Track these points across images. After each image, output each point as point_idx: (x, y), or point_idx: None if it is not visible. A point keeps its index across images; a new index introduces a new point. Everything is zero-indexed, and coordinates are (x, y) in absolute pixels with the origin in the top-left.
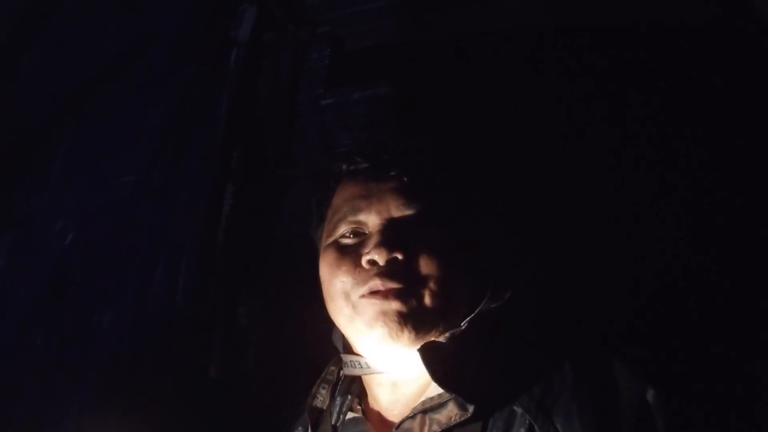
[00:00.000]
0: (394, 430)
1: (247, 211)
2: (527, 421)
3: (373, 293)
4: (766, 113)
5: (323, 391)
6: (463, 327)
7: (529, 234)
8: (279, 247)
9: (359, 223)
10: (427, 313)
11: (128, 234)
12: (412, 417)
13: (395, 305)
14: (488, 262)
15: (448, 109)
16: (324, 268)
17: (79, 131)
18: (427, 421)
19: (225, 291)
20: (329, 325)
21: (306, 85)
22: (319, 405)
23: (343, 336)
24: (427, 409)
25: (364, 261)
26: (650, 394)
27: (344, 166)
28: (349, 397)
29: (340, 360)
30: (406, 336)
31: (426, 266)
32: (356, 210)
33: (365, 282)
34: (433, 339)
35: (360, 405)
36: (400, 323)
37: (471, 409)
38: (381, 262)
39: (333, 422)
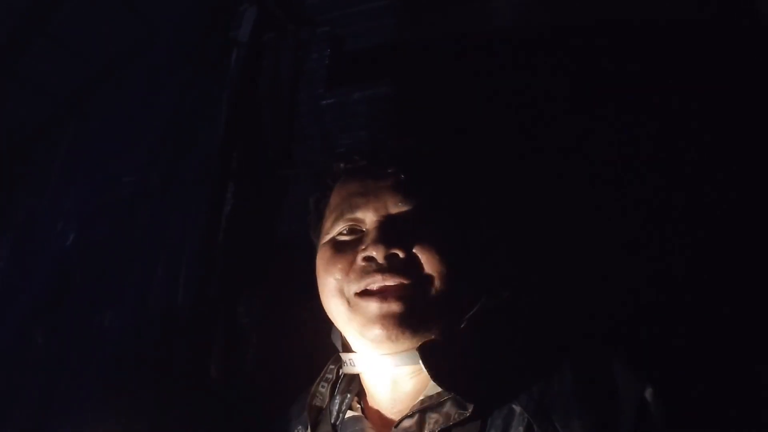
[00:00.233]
0: (393, 428)
1: (247, 211)
2: (526, 420)
3: (371, 292)
4: (767, 112)
5: (323, 390)
6: (462, 325)
7: (527, 232)
8: (279, 247)
9: (356, 220)
10: (426, 313)
11: (129, 234)
12: (411, 415)
13: (395, 307)
14: (486, 261)
15: (448, 109)
16: (320, 265)
17: (79, 131)
18: (426, 420)
19: (225, 291)
20: (329, 325)
21: (306, 85)
22: (318, 404)
23: (341, 335)
24: (426, 408)
25: (360, 257)
26: (649, 393)
27: (342, 165)
28: (349, 395)
29: (340, 359)
30: (405, 337)
31: (424, 263)
32: (353, 207)
33: (362, 278)
34: (432, 337)
35: (359, 403)
36: (399, 326)
37: (470, 408)
38: (379, 258)
39: (333, 421)
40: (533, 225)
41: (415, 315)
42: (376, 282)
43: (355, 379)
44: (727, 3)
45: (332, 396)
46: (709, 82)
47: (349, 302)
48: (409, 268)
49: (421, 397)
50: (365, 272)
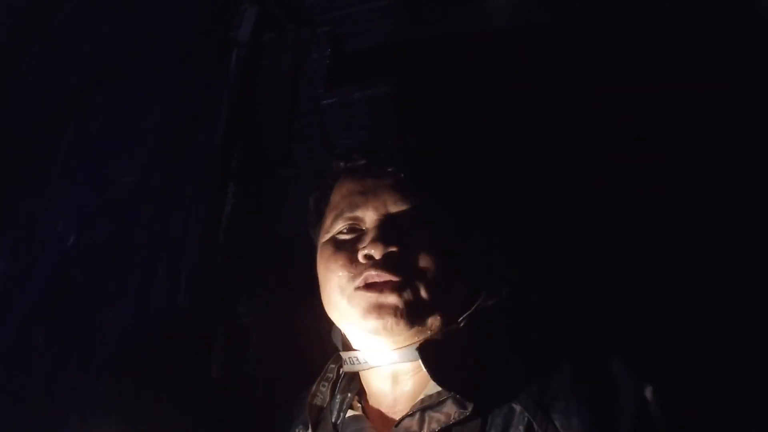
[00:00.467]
0: (393, 428)
1: (247, 211)
2: (526, 419)
3: (369, 286)
4: (766, 111)
5: (323, 389)
6: (461, 324)
7: (526, 231)
8: (279, 247)
9: (356, 219)
10: (423, 307)
11: (129, 234)
12: (411, 415)
13: (391, 298)
14: (485, 259)
15: (448, 109)
16: (320, 263)
17: (79, 131)
18: (427, 419)
19: (226, 291)
20: (329, 325)
21: (306, 85)
22: (319, 403)
23: (342, 334)
24: (426, 407)
25: (360, 255)
26: (649, 392)
27: (342, 164)
28: (349, 395)
29: (340, 358)
30: (401, 329)
31: (422, 261)
32: (353, 206)
33: (360, 275)
34: (431, 336)
35: (360, 403)
36: (395, 315)
37: (470, 407)
38: (378, 256)
39: (333, 420)
40: (533, 224)
41: (411, 306)
42: (373, 278)
43: (355, 378)
44: (726, 2)
45: (333, 395)
46: (709, 82)
47: (348, 298)
48: (407, 265)
49: (422, 397)
50: (364, 270)
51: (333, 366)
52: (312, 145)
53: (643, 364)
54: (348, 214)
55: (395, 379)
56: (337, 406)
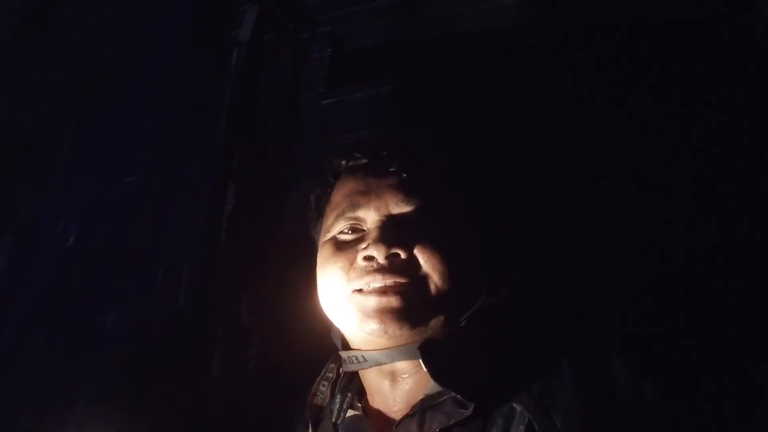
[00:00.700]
0: (393, 427)
1: (247, 211)
2: (526, 419)
3: (371, 290)
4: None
5: (323, 389)
6: (462, 324)
7: (527, 231)
8: (279, 247)
9: (357, 219)
10: (426, 310)
11: (130, 235)
12: (411, 415)
13: (393, 302)
14: (487, 259)
15: (449, 108)
16: (321, 263)
17: (79, 131)
18: (427, 419)
19: (226, 291)
20: (329, 324)
21: (307, 84)
22: (319, 402)
23: (341, 334)
24: (426, 407)
25: (360, 257)
26: (649, 391)
27: (343, 162)
28: (349, 394)
29: (339, 357)
30: (402, 332)
31: (425, 263)
32: (355, 206)
33: (362, 277)
34: (432, 335)
35: (360, 402)
36: (398, 320)
37: (471, 407)
38: (379, 258)
39: (333, 420)
40: (533, 224)
41: (413, 311)
42: (377, 281)
43: (354, 377)
44: (727, 2)
45: (333, 395)
46: (710, 82)
47: (347, 299)
48: (409, 267)
49: (422, 397)
50: (366, 271)
51: (333, 365)
52: (312, 144)
53: (643, 364)
54: (349, 214)
55: (394, 378)
56: (337, 406)
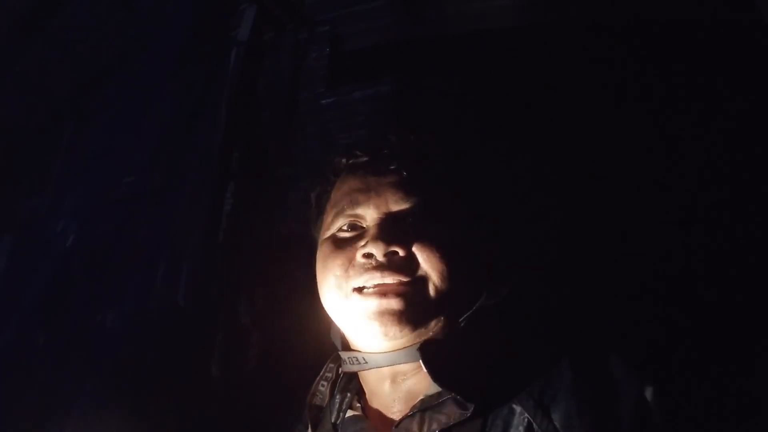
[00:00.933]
0: (393, 428)
1: (247, 210)
2: (526, 420)
3: (371, 289)
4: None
5: (322, 389)
6: (462, 324)
7: (527, 231)
8: (279, 247)
9: (357, 216)
10: (426, 310)
11: (129, 235)
12: (411, 415)
13: (395, 304)
14: (486, 258)
15: (448, 107)
16: (320, 260)
17: (79, 132)
18: (427, 420)
19: (226, 291)
20: (328, 324)
21: (306, 84)
22: (318, 402)
23: (341, 333)
24: (426, 408)
25: (360, 254)
26: (649, 392)
27: (344, 160)
28: (348, 395)
29: (339, 357)
30: (403, 334)
31: (424, 261)
32: (354, 203)
33: (361, 275)
34: (432, 336)
35: (359, 403)
36: (399, 323)
37: (470, 408)
38: (378, 255)
39: (333, 420)
40: (533, 223)
41: (413, 312)
42: (375, 279)
43: (354, 378)
44: (725, 2)
45: (332, 395)
46: (712, 79)
47: (347, 298)
48: (409, 266)
49: (422, 397)
50: (365, 269)
51: (332, 365)
52: (311, 144)
53: (643, 364)
54: (349, 212)
55: (394, 379)
56: (337, 406)
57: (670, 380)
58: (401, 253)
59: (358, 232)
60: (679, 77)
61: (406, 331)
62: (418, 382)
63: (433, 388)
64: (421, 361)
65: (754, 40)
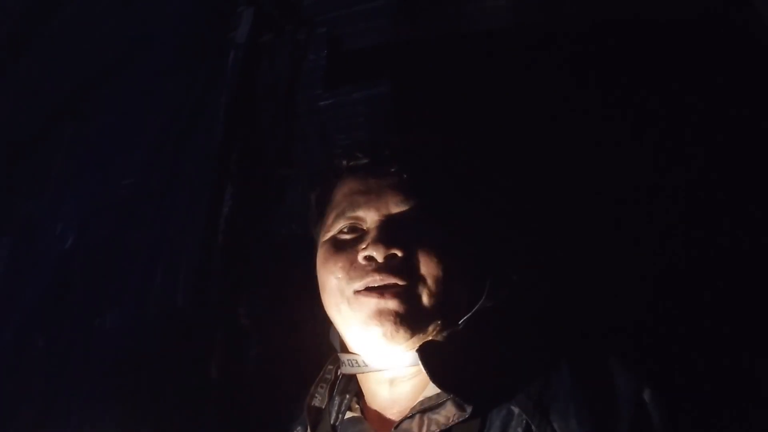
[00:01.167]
0: (392, 429)
1: (246, 211)
2: (524, 421)
3: (370, 290)
4: (765, 110)
5: (321, 391)
6: (461, 326)
7: (526, 232)
8: (279, 248)
9: (357, 219)
10: (424, 313)
11: (128, 236)
12: (410, 417)
13: (392, 304)
14: (486, 260)
15: (447, 108)
16: (320, 263)
17: (78, 132)
18: (426, 421)
19: (225, 291)
20: (328, 325)
21: (304, 85)
22: (317, 404)
23: (340, 335)
24: (425, 409)
25: (360, 257)
26: (647, 393)
27: (344, 162)
28: (347, 396)
29: (338, 359)
30: (402, 336)
31: (424, 264)
32: (355, 206)
33: (361, 277)
34: (430, 338)
35: (358, 404)
36: (396, 323)
37: (469, 409)
38: (378, 258)
39: (332, 422)
40: (533, 225)
41: (412, 314)
42: (375, 281)
43: (353, 379)
44: (724, 2)
45: (331, 396)
46: (708, 78)
47: (348, 300)
48: (409, 268)
49: (420, 399)
50: (365, 271)
51: (331, 367)
52: (310, 145)
53: (642, 366)
54: (349, 214)
55: (393, 381)
56: (336, 408)
57: (670, 381)
58: (401, 255)
59: (359, 234)
60: (678, 77)
61: (404, 331)
62: (417, 383)
63: (431, 389)
64: (420, 362)
65: (754, 39)
